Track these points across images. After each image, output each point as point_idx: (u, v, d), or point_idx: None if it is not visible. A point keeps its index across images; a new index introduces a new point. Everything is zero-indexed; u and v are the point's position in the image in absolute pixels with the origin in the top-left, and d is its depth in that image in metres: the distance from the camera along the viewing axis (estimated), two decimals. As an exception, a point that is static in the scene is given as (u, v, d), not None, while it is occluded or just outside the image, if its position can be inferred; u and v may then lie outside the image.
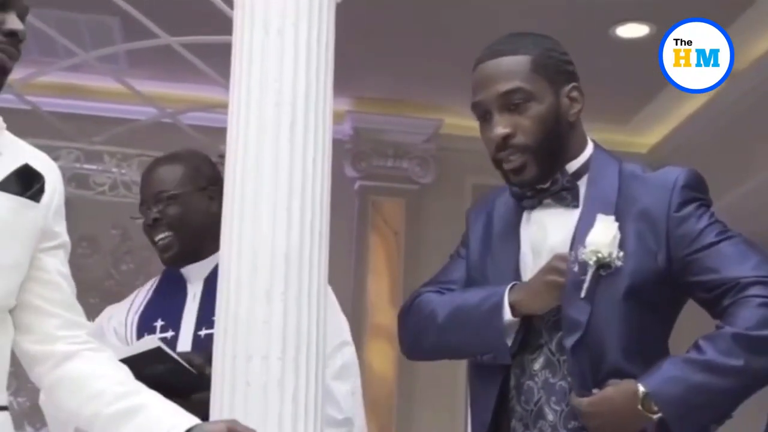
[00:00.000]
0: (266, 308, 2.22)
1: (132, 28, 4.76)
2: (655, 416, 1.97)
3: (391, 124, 6.34)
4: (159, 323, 2.60)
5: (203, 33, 4.27)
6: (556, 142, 2.11)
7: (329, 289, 2.44)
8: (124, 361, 1.94)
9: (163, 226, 2.60)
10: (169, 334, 2.56)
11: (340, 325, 2.62)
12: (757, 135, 5.42)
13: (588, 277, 2.03)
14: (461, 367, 4.70)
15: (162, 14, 4.47)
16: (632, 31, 5.30)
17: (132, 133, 5.22)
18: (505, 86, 2.11)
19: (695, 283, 2.05)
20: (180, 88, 5.70)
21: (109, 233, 6.11)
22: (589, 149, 2.18)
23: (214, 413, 2.23)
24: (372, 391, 5.58)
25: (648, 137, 6.40)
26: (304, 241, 2.27)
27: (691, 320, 2.29)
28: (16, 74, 1.83)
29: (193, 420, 1.77)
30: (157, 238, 2.61)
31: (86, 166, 5.15)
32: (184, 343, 2.54)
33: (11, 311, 1.82)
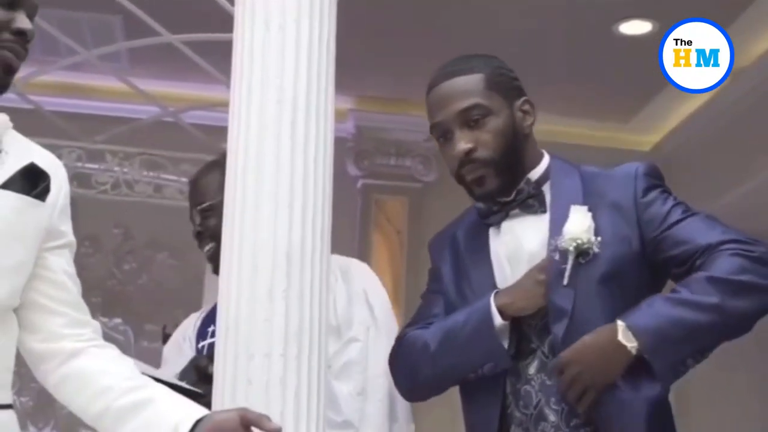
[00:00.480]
0: (268, 307, 2.22)
1: (134, 26, 4.76)
2: (634, 349, 2.00)
3: (393, 123, 6.32)
4: (211, 329, 2.64)
5: (205, 31, 4.27)
6: (514, 154, 2.21)
7: (370, 278, 2.54)
8: None
9: (207, 238, 2.66)
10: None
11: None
12: (757, 135, 5.41)
13: (569, 265, 2.09)
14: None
15: (163, 13, 4.47)
16: (635, 28, 5.28)
17: (134, 132, 5.20)
18: (463, 103, 2.20)
19: (669, 258, 2.12)
20: (182, 86, 5.68)
21: (111, 232, 6.10)
22: (546, 158, 2.27)
23: (216, 412, 2.23)
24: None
25: (649, 136, 6.39)
26: (306, 240, 2.26)
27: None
28: (18, 73, 1.83)
29: (203, 411, 1.78)
30: (204, 250, 2.68)
31: (88, 165, 5.15)
32: None
33: (16, 310, 1.82)
